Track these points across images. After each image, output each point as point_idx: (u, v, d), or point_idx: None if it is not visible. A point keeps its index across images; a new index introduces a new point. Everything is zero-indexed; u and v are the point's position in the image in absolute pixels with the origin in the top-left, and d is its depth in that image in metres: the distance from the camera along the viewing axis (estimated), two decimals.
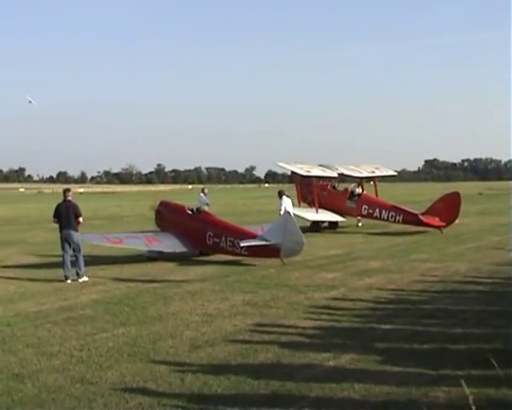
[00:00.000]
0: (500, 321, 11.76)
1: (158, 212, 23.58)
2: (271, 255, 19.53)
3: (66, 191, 18.15)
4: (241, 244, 19.67)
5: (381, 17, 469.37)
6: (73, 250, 17.70)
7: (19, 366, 9.48)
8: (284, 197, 26.05)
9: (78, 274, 17.39)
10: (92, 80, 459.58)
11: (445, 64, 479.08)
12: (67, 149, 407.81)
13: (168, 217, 23.03)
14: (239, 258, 20.43)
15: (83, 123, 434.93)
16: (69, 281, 17.16)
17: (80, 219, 17.82)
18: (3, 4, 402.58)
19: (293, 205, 27.00)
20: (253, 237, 20.04)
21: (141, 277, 17.85)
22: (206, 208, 25.15)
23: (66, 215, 17.64)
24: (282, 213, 24.33)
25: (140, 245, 20.90)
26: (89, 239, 20.82)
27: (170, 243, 21.17)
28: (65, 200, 17.93)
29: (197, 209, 22.42)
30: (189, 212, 22.31)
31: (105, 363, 9.55)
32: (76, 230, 17.77)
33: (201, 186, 39.05)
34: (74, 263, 17.60)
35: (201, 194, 33.45)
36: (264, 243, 19.44)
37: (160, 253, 21.30)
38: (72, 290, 15.94)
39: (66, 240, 17.67)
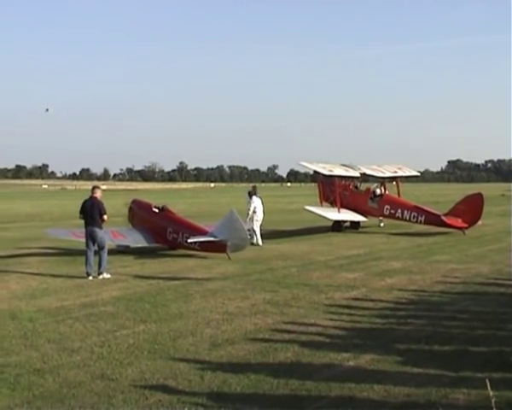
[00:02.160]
0: None
1: (130, 209, 25.19)
2: (219, 250, 20.80)
3: (94, 188, 18.41)
4: (189, 241, 21.27)
5: (404, 17, 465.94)
6: (97, 247, 17.84)
7: (40, 362, 9.54)
8: (254, 197, 26.63)
9: (99, 271, 17.45)
10: (116, 77, 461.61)
11: (468, 64, 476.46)
12: (90, 146, 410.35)
13: (137, 214, 24.73)
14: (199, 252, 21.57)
15: (106, 120, 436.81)
16: (91, 277, 17.27)
17: (105, 217, 18.01)
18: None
19: (314, 205, 27.09)
20: (205, 233, 21.49)
21: (162, 274, 17.91)
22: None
23: (90, 212, 17.87)
24: (250, 212, 26.06)
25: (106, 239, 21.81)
26: (55, 234, 23.51)
27: (134, 238, 22.73)
28: (91, 197, 18.10)
29: (162, 207, 23.82)
30: (155, 210, 23.76)
31: (125, 360, 9.61)
32: (100, 227, 17.97)
33: (252, 184, 37.21)
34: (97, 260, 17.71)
35: (254, 196, 27.40)
36: (211, 239, 20.89)
37: (127, 247, 22.69)
38: (94, 287, 16.02)
39: (90, 237, 17.82)
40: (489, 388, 6.51)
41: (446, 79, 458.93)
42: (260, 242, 26.07)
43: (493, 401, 6.24)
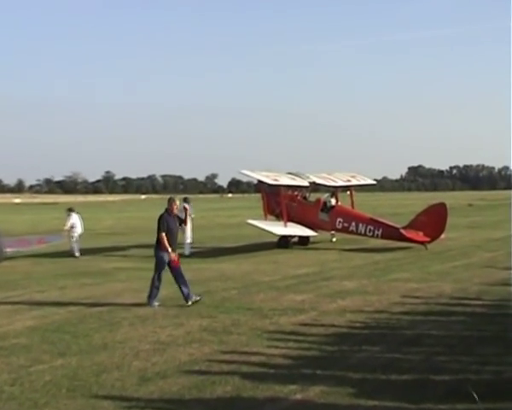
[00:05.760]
0: (490, 349, 11.92)
1: None
2: None
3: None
4: None
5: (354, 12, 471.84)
6: None
7: None
8: (73, 214, 30.87)
9: None
10: (30, 77, 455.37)
11: (431, 59, 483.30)
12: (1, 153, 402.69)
13: None
14: None
15: (23, 124, 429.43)
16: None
17: None
18: None
19: (258, 218, 27.53)
20: None
21: (84, 300, 17.77)
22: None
23: None
24: (67, 228, 30.20)
25: None
26: None
27: None
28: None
29: None
30: None
31: (41, 399, 9.46)
32: None
33: (184, 195, 37.65)
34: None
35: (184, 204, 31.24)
36: None
37: None
38: (5, 316, 15.73)
39: None
40: None
41: (405, 75, 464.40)
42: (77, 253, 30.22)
43: None
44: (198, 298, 16.95)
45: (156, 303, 16.92)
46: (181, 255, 23.49)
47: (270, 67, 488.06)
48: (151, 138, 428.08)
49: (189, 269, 22.56)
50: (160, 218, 17.26)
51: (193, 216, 28.24)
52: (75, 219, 30.99)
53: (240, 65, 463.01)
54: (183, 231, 27.19)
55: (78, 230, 30.88)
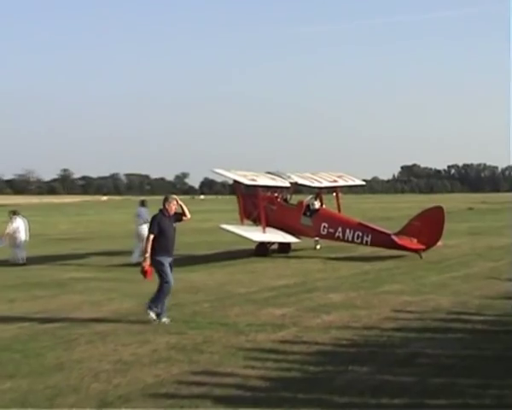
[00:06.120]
0: (492, 369, 11.94)
1: None
2: None
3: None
4: None
5: None
6: None
7: None
8: (17, 218, 31.31)
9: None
10: None
11: (428, 45, 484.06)
12: None
13: None
14: None
15: None
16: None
17: None
18: None
19: (234, 222, 27.59)
20: None
21: (37, 314, 17.65)
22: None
23: None
24: (8, 231, 30.93)
25: None
26: None
27: None
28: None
29: None
30: None
31: None
32: None
33: (142, 198, 37.94)
34: None
35: (141, 208, 31.16)
36: None
37: None
38: None
39: None
40: None
41: (398, 64, 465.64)
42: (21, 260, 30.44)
43: None
44: (164, 320, 16.55)
45: (154, 315, 16.51)
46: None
47: (251, 53, 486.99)
48: (113, 133, 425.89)
49: (154, 280, 22.86)
50: (153, 219, 17.16)
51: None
52: (19, 223, 31.22)
53: (217, 50, 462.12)
54: (139, 236, 28.55)
55: (22, 236, 31.07)
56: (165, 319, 16.46)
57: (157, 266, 16.78)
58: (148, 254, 16.64)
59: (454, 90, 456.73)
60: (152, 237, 16.69)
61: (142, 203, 30.80)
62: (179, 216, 17.53)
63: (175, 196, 17.58)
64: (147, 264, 16.68)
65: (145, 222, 27.24)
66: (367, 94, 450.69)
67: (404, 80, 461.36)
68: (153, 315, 16.52)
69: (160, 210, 17.12)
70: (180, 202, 17.41)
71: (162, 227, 16.80)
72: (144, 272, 16.76)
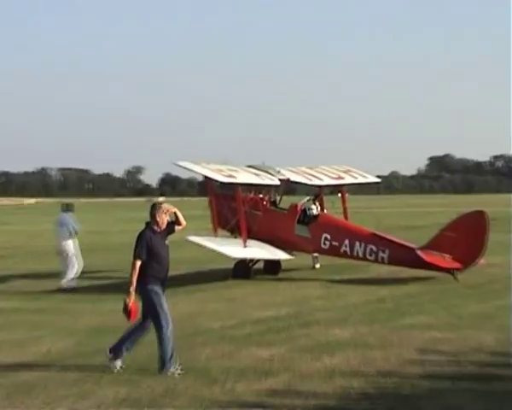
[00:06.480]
0: None
1: None
2: None
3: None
4: None
5: None
6: None
7: None
8: None
9: None
10: None
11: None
12: None
13: None
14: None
15: None
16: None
17: None
18: None
19: (205, 233, 27.91)
20: None
21: None
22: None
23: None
24: None
25: None
26: None
27: None
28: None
29: None
30: None
31: None
32: None
33: (65, 201, 37.64)
34: None
35: (64, 213, 29.53)
36: None
37: None
38: None
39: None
40: None
41: (425, 39, 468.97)
42: None
43: None
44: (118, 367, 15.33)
45: (176, 372, 14.98)
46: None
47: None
48: (44, 120, 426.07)
49: (99, 311, 22.72)
50: (139, 237, 15.42)
51: (77, 230, 28.46)
52: None
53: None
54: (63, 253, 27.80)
55: None
56: (118, 362, 15.41)
57: (150, 298, 15.33)
58: (132, 288, 15.08)
59: (493, 67, 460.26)
60: (139, 263, 15.18)
61: (67, 208, 29.15)
62: (171, 227, 15.84)
63: (165, 203, 16.08)
64: (131, 300, 15.11)
65: (71, 233, 27.40)
66: (383, 68, 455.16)
67: (432, 51, 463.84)
68: (175, 372, 14.97)
69: (148, 224, 15.54)
70: (173, 209, 15.71)
71: (153, 248, 15.29)
72: (128, 312, 15.22)
